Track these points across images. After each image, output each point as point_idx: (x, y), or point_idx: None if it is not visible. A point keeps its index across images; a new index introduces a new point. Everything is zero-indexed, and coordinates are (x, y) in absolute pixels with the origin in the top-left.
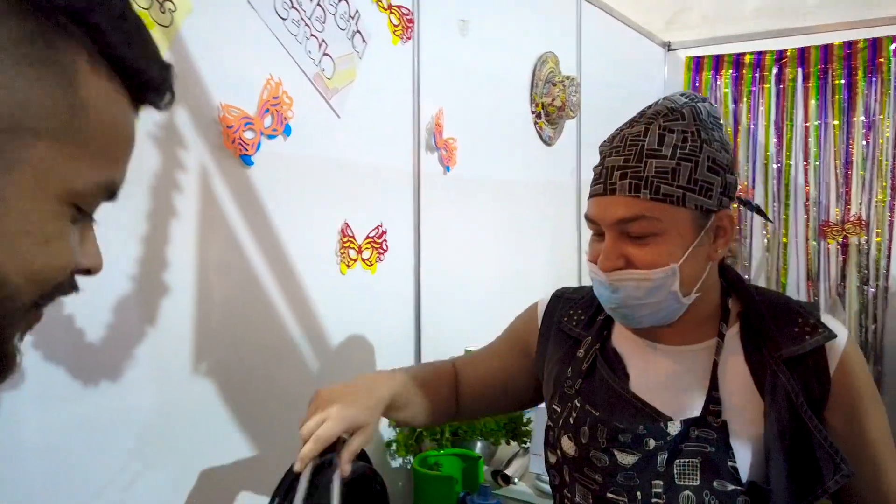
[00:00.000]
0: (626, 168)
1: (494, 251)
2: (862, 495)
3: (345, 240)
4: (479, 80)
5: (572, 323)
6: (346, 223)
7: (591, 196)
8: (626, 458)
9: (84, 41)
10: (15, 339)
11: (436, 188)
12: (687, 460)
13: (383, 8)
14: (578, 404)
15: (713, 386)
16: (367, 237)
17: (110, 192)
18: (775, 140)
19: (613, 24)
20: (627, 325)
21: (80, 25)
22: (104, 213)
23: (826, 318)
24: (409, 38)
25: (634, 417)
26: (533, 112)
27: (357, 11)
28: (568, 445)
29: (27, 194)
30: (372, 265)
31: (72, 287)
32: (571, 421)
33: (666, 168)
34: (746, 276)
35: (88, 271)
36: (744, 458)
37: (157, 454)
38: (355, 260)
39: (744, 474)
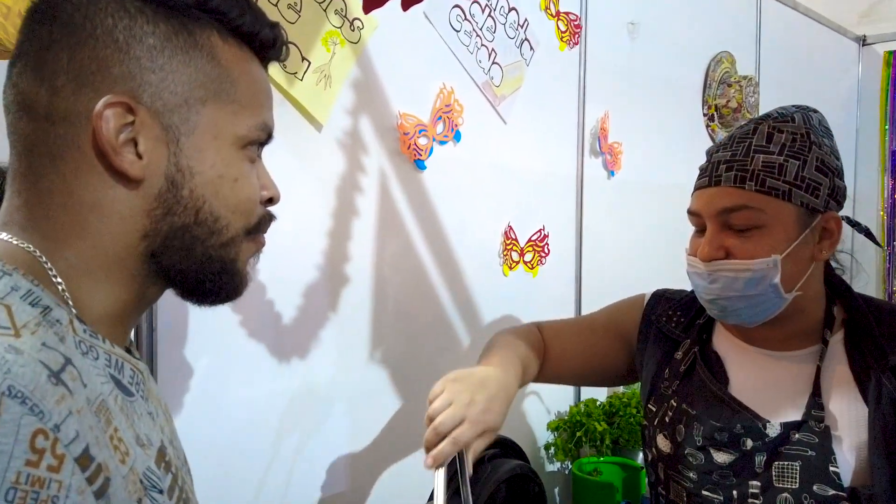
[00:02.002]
0: (733, 161)
1: (658, 257)
2: None
3: (508, 242)
4: (647, 82)
5: (671, 324)
6: (510, 226)
7: (695, 190)
8: (721, 457)
9: (212, 23)
10: (244, 261)
11: (599, 193)
12: (786, 463)
13: (551, 15)
14: (675, 403)
15: (815, 391)
16: (530, 240)
17: (267, 133)
18: None
19: (798, 18)
20: (724, 320)
21: (206, 12)
22: (299, 211)
23: None
24: (575, 44)
25: (732, 419)
26: (705, 115)
27: (526, 20)
28: (663, 443)
29: (210, 147)
30: (533, 268)
31: (269, 217)
32: (667, 420)
33: (773, 163)
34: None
35: (271, 200)
36: (845, 463)
37: (336, 429)
38: (517, 262)
39: (845, 480)
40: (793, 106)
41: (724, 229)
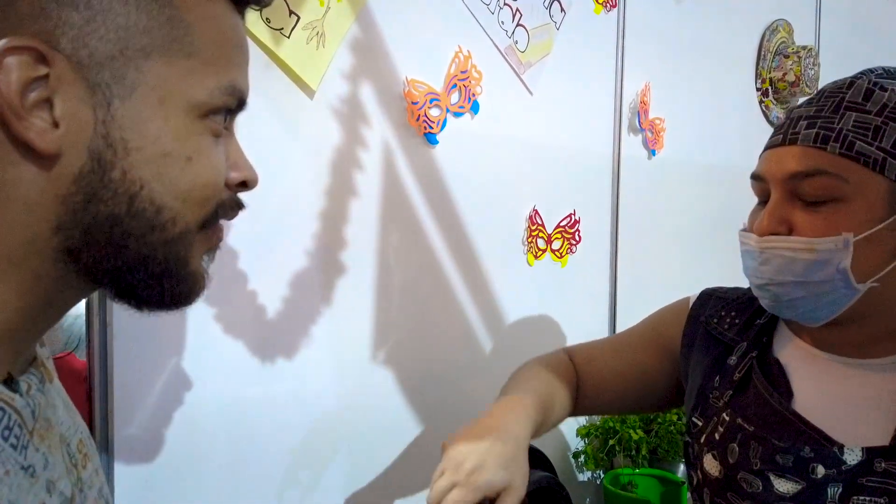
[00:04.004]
0: (817, 118)
1: (704, 248)
2: None
3: (533, 228)
4: (694, 52)
5: (724, 326)
6: (536, 210)
7: (764, 150)
8: (784, 486)
9: None
10: (197, 259)
11: (638, 174)
12: (869, 499)
13: None
14: (727, 418)
15: None
16: (558, 226)
17: (238, 100)
18: None
19: None
20: (778, 313)
21: None
22: (285, 185)
23: None
24: (613, 6)
25: (798, 439)
26: (758, 89)
27: None
28: (711, 465)
29: (155, 115)
30: (562, 257)
31: (236, 205)
32: (717, 437)
33: (868, 123)
34: None
35: (245, 184)
36: None
37: (332, 441)
38: (544, 250)
39: None
40: None
41: (792, 199)
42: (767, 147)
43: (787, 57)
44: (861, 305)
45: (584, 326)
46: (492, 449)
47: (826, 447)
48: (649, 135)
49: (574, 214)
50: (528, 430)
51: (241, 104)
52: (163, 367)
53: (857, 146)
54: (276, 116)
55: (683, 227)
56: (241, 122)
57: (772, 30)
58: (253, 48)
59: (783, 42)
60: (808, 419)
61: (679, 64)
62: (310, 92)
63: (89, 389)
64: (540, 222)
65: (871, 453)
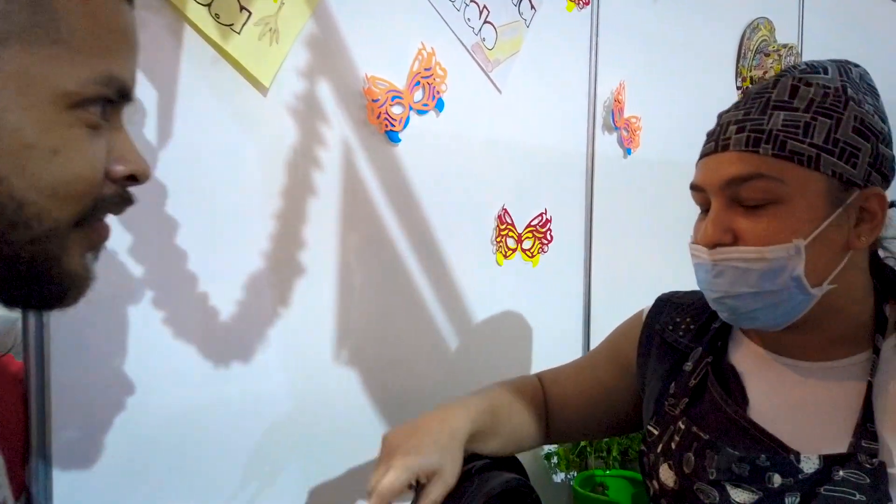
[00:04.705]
0: (746, 121)
1: (680, 246)
2: None
3: (502, 227)
4: (671, 50)
5: (679, 332)
6: (505, 209)
7: (699, 159)
8: (740, 496)
9: None
10: (74, 259)
11: (613, 173)
12: None
13: None
14: (683, 426)
15: (866, 415)
16: (529, 225)
17: (119, 91)
18: None
19: None
20: (737, 324)
21: None
22: (237, 184)
23: None
24: (587, 4)
25: (752, 449)
26: (738, 88)
27: None
28: (667, 475)
29: (15, 105)
30: (534, 256)
31: (122, 200)
32: (673, 446)
33: (797, 121)
34: None
35: (134, 178)
36: None
37: (288, 446)
38: (514, 250)
39: None
40: (830, 60)
41: (732, 206)
42: (702, 155)
43: (767, 55)
44: (818, 308)
45: (557, 326)
46: (427, 436)
47: (782, 455)
48: (625, 133)
49: (545, 214)
50: (467, 428)
51: (123, 96)
52: (104, 370)
53: (790, 145)
54: (226, 113)
55: (661, 227)
56: (190, 118)
57: (752, 28)
58: (201, 43)
59: (764, 40)
60: (764, 427)
61: (656, 62)
62: (262, 89)
63: (25, 391)
64: (509, 221)
65: (828, 461)
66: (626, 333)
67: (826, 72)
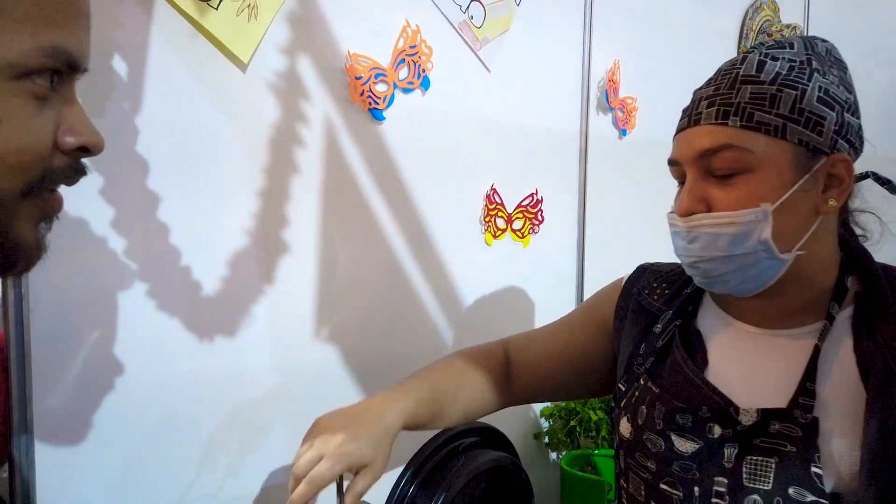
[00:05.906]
0: (716, 96)
1: None
2: None
3: (491, 207)
4: (669, 28)
5: (653, 297)
6: (494, 189)
7: (675, 135)
8: (684, 445)
9: None
10: (24, 228)
11: (608, 154)
12: (760, 458)
13: None
14: (643, 383)
15: (809, 376)
16: (519, 205)
17: (67, 63)
18: None
19: None
20: (711, 288)
21: None
22: (221, 163)
23: None
24: None
25: (698, 400)
26: None
27: None
28: (625, 427)
29: None
30: (524, 237)
31: (74, 171)
32: (633, 401)
33: (763, 94)
34: None
35: (86, 149)
36: (832, 464)
37: (270, 419)
38: (503, 230)
39: (828, 484)
40: (799, 35)
41: (706, 177)
42: (677, 131)
43: (770, 36)
44: (788, 275)
45: (548, 306)
46: (361, 428)
47: (722, 408)
48: (620, 114)
49: (536, 194)
50: (401, 421)
51: (72, 67)
52: (85, 342)
53: (757, 116)
54: (203, 89)
55: (656, 209)
56: (169, 94)
57: (755, 7)
58: (177, 18)
59: (767, 20)
60: (717, 386)
61: (654, 41)
62: (241, 65)
63: (5, 361)
64: (499, 201)
65: (766, 415)
66: (605, 297)
67: (792, 47)
